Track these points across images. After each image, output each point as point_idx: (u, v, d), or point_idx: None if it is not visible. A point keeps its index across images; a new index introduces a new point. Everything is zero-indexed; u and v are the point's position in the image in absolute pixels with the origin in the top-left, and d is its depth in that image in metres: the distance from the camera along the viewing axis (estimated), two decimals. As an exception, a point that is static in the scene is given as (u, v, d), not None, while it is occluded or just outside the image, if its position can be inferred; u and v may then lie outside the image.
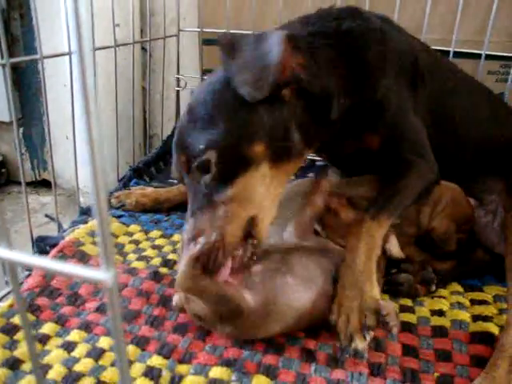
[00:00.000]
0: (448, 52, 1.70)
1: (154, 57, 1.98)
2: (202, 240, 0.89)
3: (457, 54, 1.71)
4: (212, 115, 0.95)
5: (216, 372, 0.92)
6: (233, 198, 0.94)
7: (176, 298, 1.02)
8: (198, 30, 1.88)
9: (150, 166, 1.81)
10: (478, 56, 1.71)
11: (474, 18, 1.71)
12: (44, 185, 2.38)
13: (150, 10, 1.80)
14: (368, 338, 0.94)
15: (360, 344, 0.93)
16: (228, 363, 0.95)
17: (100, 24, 1.65)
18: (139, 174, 1.74)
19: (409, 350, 1.00)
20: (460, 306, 1.14)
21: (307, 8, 1.67)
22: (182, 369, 0.93)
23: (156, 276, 1.18)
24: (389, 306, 1.00)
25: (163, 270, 1.22)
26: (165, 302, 1.11)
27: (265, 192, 0.97)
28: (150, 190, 1.56)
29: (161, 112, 2.03)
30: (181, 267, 0.90)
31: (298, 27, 1.11)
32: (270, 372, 0.93)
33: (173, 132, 1.98)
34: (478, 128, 1.36)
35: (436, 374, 0.95)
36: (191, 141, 0.95)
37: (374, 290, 1.00)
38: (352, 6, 1.21)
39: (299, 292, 0.97)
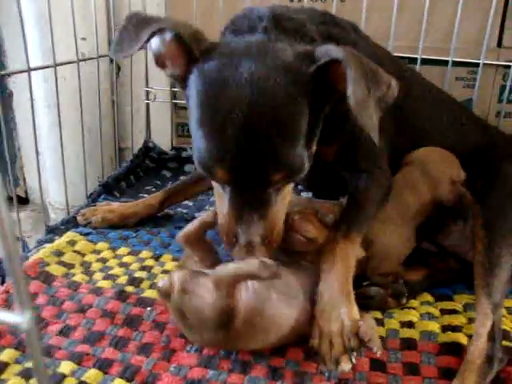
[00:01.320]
0: (416, 59, 1.71)
1: (123, 69, 1.97)
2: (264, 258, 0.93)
3: (424, 61, 1.72)
4: (305, 124, 0.92)
5: (180, 394, 0.90)
6: (282, 201, 0.99)
7: (164, 282, 0.96)
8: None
9: (120, 181, 1.78)
10: (446, 63, 1.72)
11: (440, 26, 1.71)
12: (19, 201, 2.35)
13: (115, 23, 1.77)
14: (354, 360, 0.93)
15: (346, 366, 0.92)
16: (208, 363, 0.95)
17: (65, 38, 1.63)
18: (109, 189, 1.71)
19: (377, 365, 0.98)
20: (430, 316, 1.13)
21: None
22: (145, 392, 0.91)
23: (121, 295, 1.16)
24: (369, 328, 0.96)
25: (129, 289, 1.19)
26: (130, 321, 1.08)
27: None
28: (115, 205, 1.54)
29: (131, 126, 2.01)
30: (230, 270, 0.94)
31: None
32: (235, 392, 0.91)
33: (145, 146, 1.97)
34: (442, 136, 1.36)
35: (404, 389, 0.94)
36: (293, 158, 0.91)
37: (354, 311, 0.98)
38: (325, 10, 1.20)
39: (282, 308, 0.95)
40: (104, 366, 0.97)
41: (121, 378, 0.94)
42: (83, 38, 1.69)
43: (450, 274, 1.28)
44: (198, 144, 0.92)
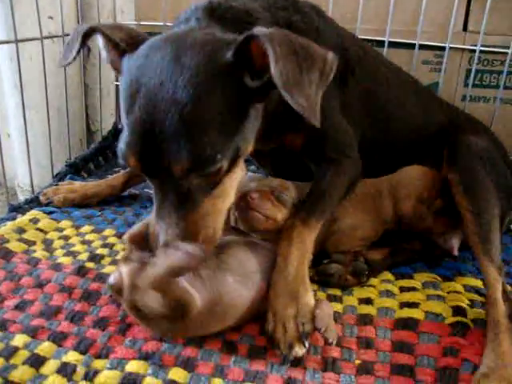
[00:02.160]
0: (383, 42, 1.72)
1: (93, 51, 1.95)
2: (187, 246, 0.88)
3: (392, 44, 1.73)
4: (217, 114, 0.85)
5: (133, 366, 0.90)
6: (220, 193, 0.92)
7: (115, 277, 0.92)
8: (135, 23, 1.86)
9: (89, 162, 1.77)
10: (413, 46, 1.73)
11: (406, 9, 1.72)
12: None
13: (82, 2, 1.75)
14: (307, 345, 0.93)
15: (300, 351, 0.92)
16: (146, 357, 0.93)
17: (33, 16, 1.61)
18: (76, 169, 1.70)
19: (332, 339, 0.99)
20: (388, 293, 1.15)
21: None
22: (97, 364, 0.91)
23: (81, 271, 1.16)
24: (325, 316, 0.97)
25: (89, 265, 1.19)
26: (88, 296, 1.08)
27: (238, 179, 0.98)
28: (78, 184, 1.54)
29: (102, 107, 1.99)
30: (157, 270, 0.87)
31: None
32: (188, 364, 0.91)
33: (114, 128, 1.95)
34: (409, 118, 1.37)
35: (357, 362, 0.95)
36: (198, 147, 0.83)
37: (308, 296, 0.99)
38: None
39: (239, 291, 0.95)
40: (58, 338, 0.97)
41: (74, 350, 0.94)
42: (50, 17, 1.66)
43: (413, 254, 1.29)
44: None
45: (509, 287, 1.10)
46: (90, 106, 1.96)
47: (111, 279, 0.91)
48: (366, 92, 1.27)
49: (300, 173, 1.22)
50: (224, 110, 0.86)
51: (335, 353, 0.96)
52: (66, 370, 0.89)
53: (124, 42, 0.94)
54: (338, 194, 1.15)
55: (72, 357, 0.92)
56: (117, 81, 1.92)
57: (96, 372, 0.89)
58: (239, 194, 1.05)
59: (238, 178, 0.97)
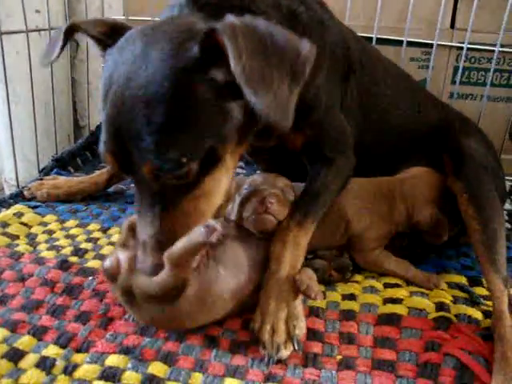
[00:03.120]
0: (371, 38, 1.72)
1: (81, 46, 1.94)
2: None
3: (379, 41, 1.73)
4: (184, 111, 0.80)
5: (113, 360, 0.90)
6: (202, 194, 0.88)
7: (111, 261, 0.91)
8: (123, 17, 1.84)
9: (76, 157, 1.76)
10: (400, 43, 1.73)
11: (394, 6, 1.72)
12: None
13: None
14: (297, 347, 0.93)
15: (285, 353, 0.92)
16: (126, 351, 0.93)
17: (21, 9, 1.59)
18: (63, 164, 1.70)
19: (314, 335, 0.99)
20: (372, 289, 1.15)
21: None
22: (77, 358, 0.91)
23: (64, 265, 1.15)
24: (307, 277, 0.98)
25: (73, 259, 1.19)
26: (70, 290, 1.08)
27: (226, 180, 0.93)
28: (62, 180, 1.53)
29: (90, 102, 1.98)
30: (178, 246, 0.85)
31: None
32: (168, 359, 0.91)
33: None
34: (403, 116, 1.37)
35: (339, 357, 0.94)
36: (161, 147, 0.78)
37: (299, 299, 0.99)
38: None
39: (230, 284, 0.94)
40: (39, 332, 0.96)
41: (55, 344, 0.94)
42: (37, 11, 1.65)
43: (396, 251, 1.29)
44: None
45: None
46: (78, 101, 1.95)
47: (107, 263, 0.90)
48: (363, 91, 1.26)
49: (294, 170, 1.21)
50: (190, 108, 0.80)
51: (316, 348, 0.96)
52: (45, 364, 0.89)
53: (106, 37, 0.92)
54: (332, 194, 1.14)
55: (52, 351, 0.92)
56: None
57: (75, 366, 0.88)
58: (255, 197, 1.04)
59: (225, 179, 0.92)
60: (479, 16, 1.65)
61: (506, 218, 1.60)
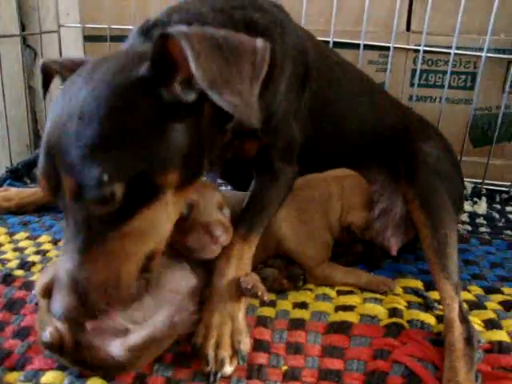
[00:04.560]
0: (328, 42, 1.71)
1: (39, 54, 1.90)
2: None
3: (337, 45, 1.72)
4: (117, 129, 0.75)
5: (48, 377, 0.87)
6: (132, 231, 0.78)
7: (52, 335, 0.83)
8: (79, 25, 1.82)
9: (32, 168, 1.73)
10: (358, 46, 1.73)
11: (350, 9, 1.72)
12: None
13: (26, 5, 1.72)
14: (241, 362, 0.90)
15: (230, 369, 0.89)
16: (64, 367, 0.89)
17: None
18: (18, 175, 1.67)
19: (260, 345, 0.96)
20: (325, 297, 1.12)
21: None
22: (11, 377, 0.87)
23: (7, 279, 1.12)
24: (250, 278, 0.97)
25: (18, 273, 1.16)
26: (11, 305, 1.05)
27: (166, 222, 0.84)
28: (13, 192, 1.50)
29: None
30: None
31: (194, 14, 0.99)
32: (106, 374, 0.88)
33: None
34: (359, 121, 1.35)
35: (284, 368, 0.92)
36: (85, 163, 0.73)
37: (243, 313, 0.97)
38: None
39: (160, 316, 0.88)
40: (-26, 350, 0.92)
41: (-11, 362, 0.90)
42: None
43: (353, 257, 1.28)
44: None
45: (466, 306, 1.06)
46: (38, 111, 1.91)
47: (46, 337, 0.82)
48: (318, 96, 1.23)
49: (240, 179, 1.18)
50: (124, 126, 0.76)
51: (262, 359, 0.93)
52: (-27, 385, 0.85)
53: (69, 72, 0.90)
54: (275, 206, 1.13)
55: (-17, 370, 0.88)
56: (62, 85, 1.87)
57: (8, 385, 0.85)
58: (200, 226, 0.96)
59: (163, 218, 0.83)
60: (434, 18, 1.65)
61: (467, 220, 1.60)
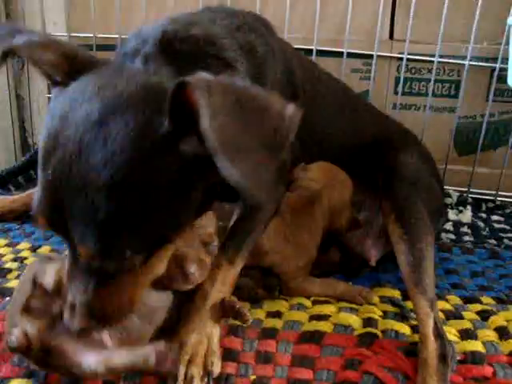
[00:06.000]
0: (311, 50, 1.71)
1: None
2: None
3: (320, 53, 1.72)
4: (141, 198, 0.70)
5: (14, 385, 0.86)
6: (142, 271, 0.80)
7: (18, 339, 0.82)
8: (66, 34, 1.83)
9: (17, 175, 1.74)
10: (341, 54, 1.72)
11: (333, 17, 1.72)
12: None
13: (6, 12, 1.73)
14: (211, 382, 0.89)
15: None
16: (31, 375, 0.89)
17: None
18: (3, 183, 1.67)
19: (229, 354, 0.95)
20: (300, 306, 1.12)
21: (171, 9, 1.66)
22: (-25, 386, 0.87)
23: (-19, 286, 1.12)
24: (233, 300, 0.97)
25: (-9, 280, 1.16)
26: (-17, 312, 1.04)
27: (169, 255, 0.86)
28: (-7, 200, 1.49)
29: (40, 120, 1.96)
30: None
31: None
32: (73, 382, 0.87)
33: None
34: (342, 133, 1.33)
35: (253, 377, 0.91)
36: (105, 235, 0.69)
37: (218, 336, 0.96)
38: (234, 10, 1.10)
39: (147, 331, 0.90)
40: None
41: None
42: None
43: (330, 266, 1.27)
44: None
45: (442, 316, 1.07)
46: (26, 120, 1.92)
47: (13, 341, 0.81)
48: (305, 115, 1.21)
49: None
50: (149, 198, 0.71)
51: (230, 369, 0.92)
52: None
53: (54, 68, 0.78)
54: (261, 227, 1.10)
55: (-51, 380, 0.88)
56: (49, 93, 1.88)
57: (-28, 395, 0.85)
58: (174, 255, 0.92)
59: (170, 252, 0.85)
60: (417, 27, 1.65)
61: (452, 229, 1.59)
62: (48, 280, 0.87)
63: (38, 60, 0.77)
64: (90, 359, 0.81)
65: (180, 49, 0.89)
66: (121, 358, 0.82)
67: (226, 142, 0.58)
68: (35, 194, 0.74)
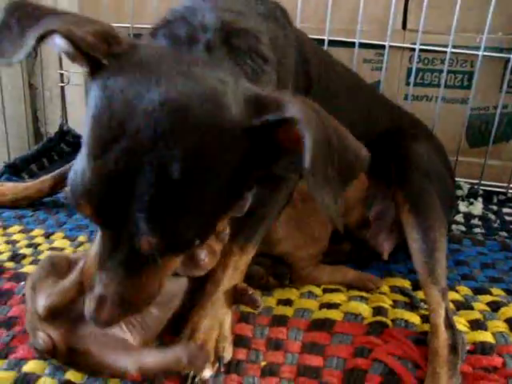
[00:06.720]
0: (323, 40, 1.70)
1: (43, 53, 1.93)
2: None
3: (332, 43, 1.72)
4: (211, 195, 0.70)
5: (30, 366, 0.88)
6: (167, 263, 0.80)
7: (45, 342, 0.84)
8: (78, 23, 1.81)
9: (30, 163, 1.76)
10: (353, 44, 1.72)
11: (345, 7, 1.71)
12: None
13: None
14: (222, 368, 0.90)
15: (209, 373, 0.88)
16: (46, 357, 0.89)
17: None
18: (16, 170, 1.69)
19: (240, 341, 0.97)
20: (310, 295, 1.13)
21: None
22: (-7, 365, 0.88)
23: (-4, 270, 1.14)
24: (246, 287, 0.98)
25: (8, 265, 1.18)
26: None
27: None
28: (7, 187, 1.50)
29: (52, 109, 1.97)
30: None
31: None
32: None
33: (61, 130, 1.93)
34: (355, 124, 1.32)
35: (263, 363, 0.92)
36: (178, 227, 0.69)
37: (230, 322, 0.97)
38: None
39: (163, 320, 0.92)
40: (-42, 340, 0.94)
41: (-28, 351, 0.92)
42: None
43: (341, 255, 1.27)
44: (77, 163, 0.70)
45: (452, 307, 1.07)
46: (39, 109, 1.93)
47: (39, 343, 0.84)
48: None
49: None
50: (220, 192, 0.71)
51: (241, 355, 0.94)
52: (-43, 373, 0.86)
53: (98, 52, 0.70)
54: (273, 217, 1.10)
55: (-33, 358, 0.89)
56: (62, 82, 1.91)
57: (-10, 374, 0.86)
58: None
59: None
60: (430, 17, 1.63)
61: (462, 220, 1.59)
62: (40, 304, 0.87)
63: (77, 39, 0.69)
64: (121, 360, 0.83)
65: (234, 42, 0.87)
66: (154, 358, 0.83)
67: (317, 176, 0.63)
68: (74, 181, 0.69)
